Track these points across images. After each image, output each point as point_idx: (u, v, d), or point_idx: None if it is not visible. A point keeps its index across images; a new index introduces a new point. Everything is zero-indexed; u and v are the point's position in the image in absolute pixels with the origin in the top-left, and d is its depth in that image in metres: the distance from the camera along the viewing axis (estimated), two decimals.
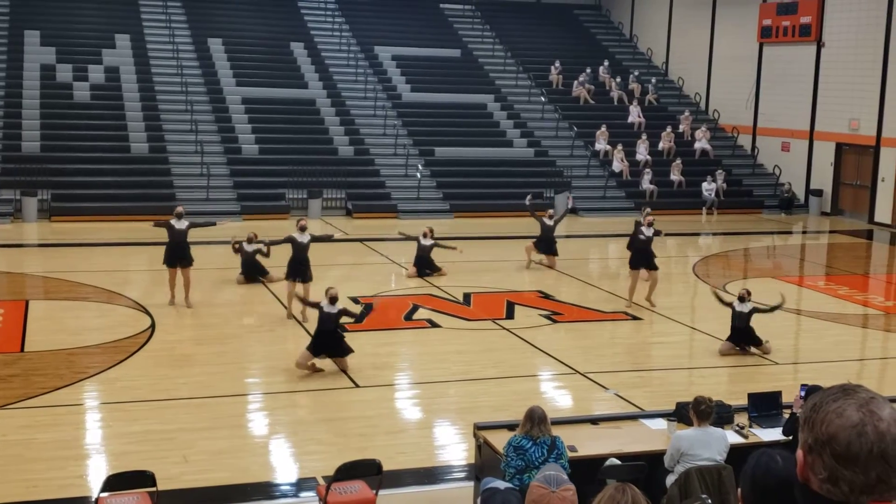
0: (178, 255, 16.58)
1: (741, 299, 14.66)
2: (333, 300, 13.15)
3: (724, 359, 14.61)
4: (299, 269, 15.96)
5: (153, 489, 8.18)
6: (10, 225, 25.03)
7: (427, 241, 19.81)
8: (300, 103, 32.44)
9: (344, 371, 13.20)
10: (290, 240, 16.20)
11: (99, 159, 28.15)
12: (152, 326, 15.40)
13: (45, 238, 24.16)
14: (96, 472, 9.62)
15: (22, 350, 14.04)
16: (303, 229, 16.22)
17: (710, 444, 8.28)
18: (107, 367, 13.29)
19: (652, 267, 17.83)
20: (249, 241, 18.79)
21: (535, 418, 8.02)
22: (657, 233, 18.05)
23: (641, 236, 17.90)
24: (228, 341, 14.87)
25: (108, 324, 15.55)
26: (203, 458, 10.17)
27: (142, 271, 20.45)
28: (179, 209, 16.98)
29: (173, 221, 16.62)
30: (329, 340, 13.06)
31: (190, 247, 16.75)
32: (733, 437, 9.22)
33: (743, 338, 14.65)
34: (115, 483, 8.18)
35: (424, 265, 19.86)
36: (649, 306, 17.42)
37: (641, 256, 17.83)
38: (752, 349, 14.67)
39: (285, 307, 16.19)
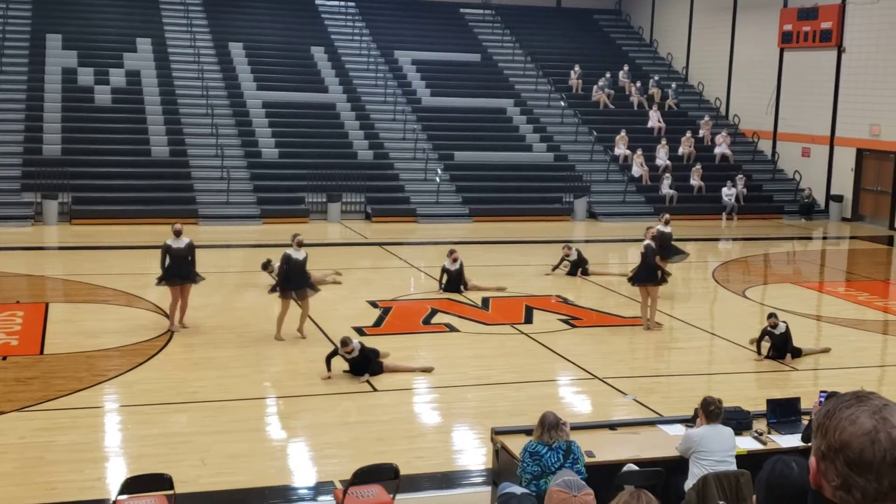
0: (177, 270, 15.50)
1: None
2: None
3: (744, 365, 14.55)
4: (294, 286, 15.18)
5: (171, 492, 8.21)
6: (31, 227, 25.22)
7: (453, 266, 18.95)
8: (320, 107, 32.53)
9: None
10: (286, 259, 15.29)
11: (120, 163, 28.31)
12: (171, 329, 15.44)
13: (65, 241, 24.30)
14: (115, 475, 9.67)
15: (41, 353, 14.12)
16: (300, 245, 15.32)
17: (721, 440, 8.36)
18: (125, 370, 13.36)
19: (655, 281, 16.38)
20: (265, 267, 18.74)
21: (547, 424, 8.02)
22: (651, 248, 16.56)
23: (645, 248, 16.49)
24: (247, 345, 14.90)
25: (127, 327, 15.61)
26: (220, 462, 10.20)
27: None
28: (177, 227, 15.79)
29: (170, 241, 15.56)
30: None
31: (194, 264, 15.78)
32: (752, 444, 9.20)
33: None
34: (133, 486, 8.22)
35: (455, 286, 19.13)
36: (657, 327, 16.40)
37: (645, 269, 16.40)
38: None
39: (313, 320, 15.53)
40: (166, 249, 15.52)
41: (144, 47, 33.47)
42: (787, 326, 14.63)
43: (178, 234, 15.58)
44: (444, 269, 18.87)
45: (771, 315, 14.79)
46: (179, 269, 15.51)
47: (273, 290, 15.53)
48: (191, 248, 15.66)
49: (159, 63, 32.87)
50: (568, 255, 20.84)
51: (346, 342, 13.08)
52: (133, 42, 33.50)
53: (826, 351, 15.26)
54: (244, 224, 26.61)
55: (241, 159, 29.37)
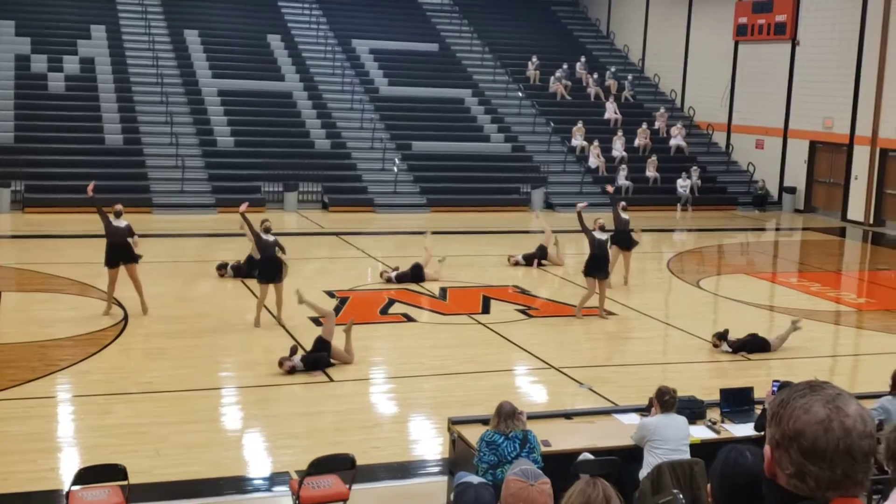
0: (120, 253, 15.46)
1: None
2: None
3: (698, 354, 14.69)
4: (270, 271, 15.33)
5: (125, 483, 8.13)
6: None
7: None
8: (277, 96, 32.31)
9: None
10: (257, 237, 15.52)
11: (73, 150, 27.93)
12: (125, 319, 15.30)
13: (18, 229, 23.96)
14: (68, 465, 9.57)
15: None
16: (267, 230, 15.45)
17: (675, 429, 8.44)
18: (79, 360, 13.21)
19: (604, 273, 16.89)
20: (222, 267, 18.68)
21: (503, 413, 8.05)
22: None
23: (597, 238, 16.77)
24: (202, 335, 14.79)
25: (80, 316, 15.44)
26: (175, 452, 10.12)
27: None
28: (118, 207, 15.72)
29: (112, 219, 15.44)
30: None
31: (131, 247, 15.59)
32: (705, 433, 9.29)
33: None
34: (87, 476, 8.14)
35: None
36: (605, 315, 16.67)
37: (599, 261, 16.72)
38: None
39: (272, 313, 15.67)
40: (107, 226, 15.43)
41: (99, 34, 33.03)
42: (728, 347, 14.58)
43: (118, 214, 15.55)
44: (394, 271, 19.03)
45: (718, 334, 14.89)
46: (121, 251, 15.43)
47: (262, 280, 15.42)
48: (130, 228, 15.60)
49: (114, 50, 32.46)
50: (515, 263, 20.88)
51: (280, 363, 12.93)
52: (87, 29, 33.04)
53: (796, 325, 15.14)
54: (199, 213, 26.38)
55: (196, 147, 29.11)
